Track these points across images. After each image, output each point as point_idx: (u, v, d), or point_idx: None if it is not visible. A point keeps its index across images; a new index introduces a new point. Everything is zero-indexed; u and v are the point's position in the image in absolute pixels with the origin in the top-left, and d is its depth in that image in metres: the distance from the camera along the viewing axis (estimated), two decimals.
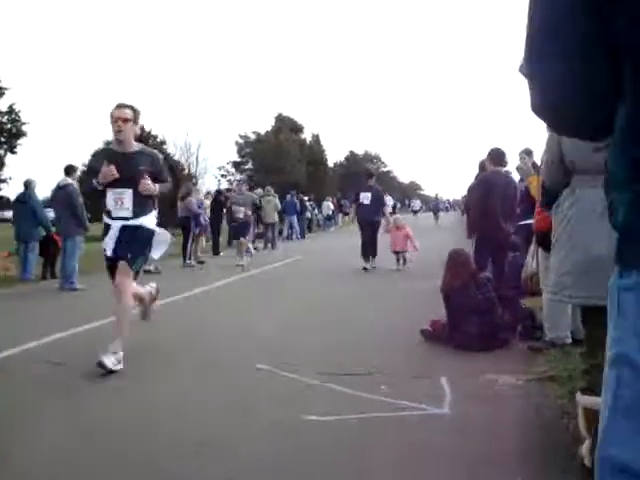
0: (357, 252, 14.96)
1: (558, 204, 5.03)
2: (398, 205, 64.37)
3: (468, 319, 6.26)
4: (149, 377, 5.62)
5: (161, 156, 6.38)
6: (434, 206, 54.09)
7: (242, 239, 16.14)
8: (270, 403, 4.73)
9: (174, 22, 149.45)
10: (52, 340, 7.09)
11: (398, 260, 14.66)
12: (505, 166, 8.89)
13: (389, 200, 32.40)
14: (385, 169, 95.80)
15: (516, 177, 11.14)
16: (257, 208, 20.67)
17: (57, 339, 7.16)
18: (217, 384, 5.29)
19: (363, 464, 3.60)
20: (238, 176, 63.03)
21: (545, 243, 5.92)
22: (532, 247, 6.46)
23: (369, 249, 14.73)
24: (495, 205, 8.13)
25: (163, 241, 6.71)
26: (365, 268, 14.39)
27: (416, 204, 61.73)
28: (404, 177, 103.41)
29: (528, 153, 9.52)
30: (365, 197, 14.66)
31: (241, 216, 16.14)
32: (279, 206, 24.13)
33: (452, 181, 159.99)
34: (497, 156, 8.58)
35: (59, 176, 12.47)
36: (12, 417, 4.54)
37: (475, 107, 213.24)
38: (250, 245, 16.96)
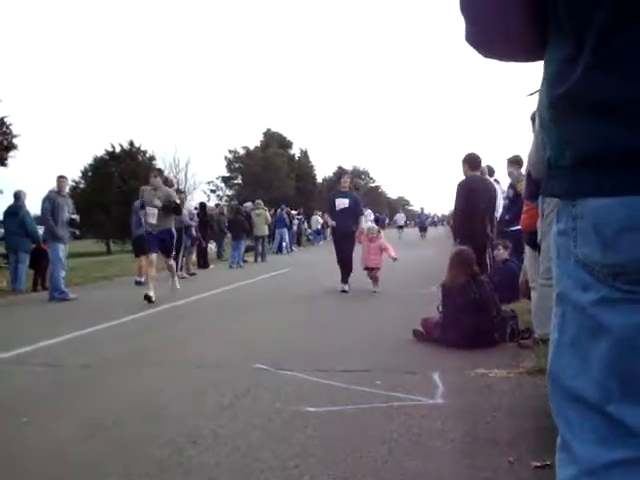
0: None
1: (544, 201, 5.17)
2: (387, 220, 58.91)
3: (465, 316, 6.34)
4: (145, 375, 5.66)
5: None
6: (420, 221, 47.78)
7: (167, 259, 11.62)
8: (268, 397, 4.78)
9: (164, 37, 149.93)
10: (43, 345, 7.11)
11: (372, 278, 11.80)
12: (480, 169, 9.06)
13: (369, 214, 30.54)
14: (373, 184, 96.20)
15: (505, 184, 11.33)
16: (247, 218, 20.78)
17: (48, 345, 7.18)
18: (216, 380, 5.32)
19: (360, 449, 3.65)
20: (228, 191, 63.19)
21: (533, 242, 6.04)
22: (526, 251, 6.57)
23: (346, 267, 12.18)
24: (478, 208, 8.31)
25: None
26: (344, 290, 11.92)
27: (400, 218, 49.86)
28: (392, 192, 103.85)
29: (516, 162, 9.70)
30: (342, 203, 12.15)
31: (154, 221, 10.99)
32: (269, 219, 24.26)
33: (440, 196, 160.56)
34: (473, 160, 8.74)
35: (50, 187, 12.56)
36: (10, 413, 4.58)
37: (463, 120, 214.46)
38: (172, 262, 12.03)
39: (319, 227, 40.09)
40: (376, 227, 12.84)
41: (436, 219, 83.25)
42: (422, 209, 52.30)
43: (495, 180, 12.09)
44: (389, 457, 3.50)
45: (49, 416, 4.53)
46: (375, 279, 11.71)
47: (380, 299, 10.76)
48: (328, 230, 49.21)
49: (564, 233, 1.11)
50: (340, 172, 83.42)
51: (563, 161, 1.08)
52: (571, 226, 1.09)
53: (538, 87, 1.18)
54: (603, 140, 1.01)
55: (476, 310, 6.41)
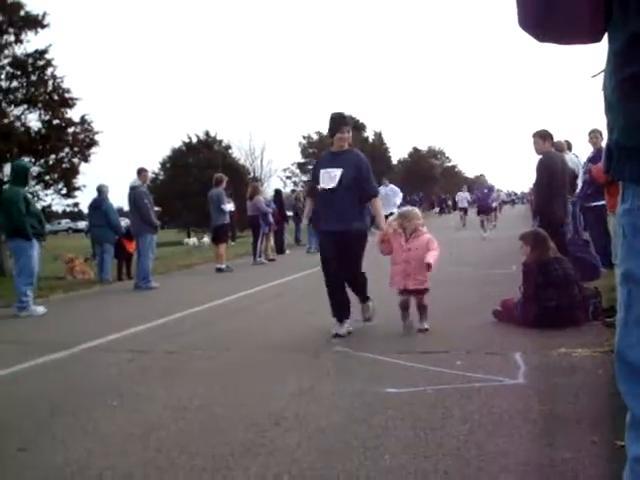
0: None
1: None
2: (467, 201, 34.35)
3: (546, 294, 6.24)
4: (228, 359, 5.81)
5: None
6: (479, 199, 24.59)
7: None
8: (348, 379, 4.84)
9: (235, 27, 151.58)
10: (130, 332, 7.38)
11: (404, 310, 6.57)
12: (552, 145, 8.86)
13: (393, 192, 22.60)
14: (450, 164, 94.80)
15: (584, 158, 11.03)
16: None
17: (134, 332, 7.45)
18: (297, 363, 5.41)
19: (440, 429, 3.67)
20: (303, 177, 63.56)
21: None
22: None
23: (341, 292, 6.73)
24: (556, 184, 8.18)
25: None
26: (338, 334, 6.41)
27: (462, 198, 32.16)
28: (470, 171, 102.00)
29: (599, 132, 9.51)
30: (330, 177, 6.61)
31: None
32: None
33: (521, 172, 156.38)
34: (544, 135, 8.56)
35: (130, 180, 12.93)
36: (100, 397, 4.80)
37: (544, 94, 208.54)
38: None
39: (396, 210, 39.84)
40: (415, 210, 7.04)
41: (514, 197, 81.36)
42: (481, 179, 28.03)
43: (574, 155, 11.80)
44: (469, 437, 3.51)
45: (137, 400, 4.73)
46: (422, 308, 6.54)
47: (457, 280, 10.65)
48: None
49: (630, 212, 1.10)
50: (414, 152, 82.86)
51: (630, 142, 1.07)
52: (637, 205, 1.08)
53: (602, 68, 1.17)
54: None
55: (558, 288, 6.30)
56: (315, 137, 67.75)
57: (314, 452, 3.48)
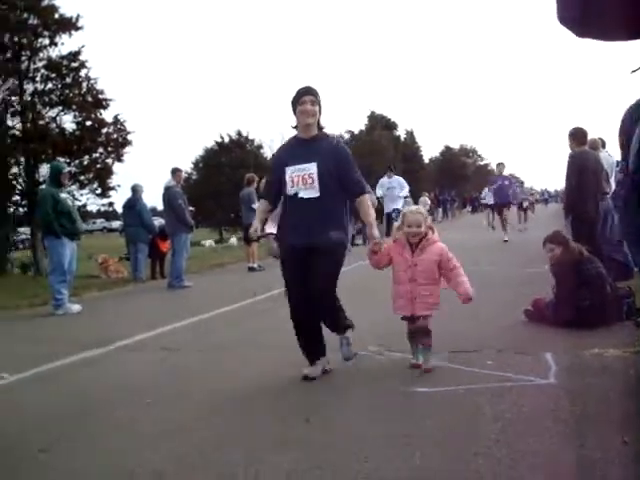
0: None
1: None
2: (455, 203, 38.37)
3: (579, 293, 6.19)
4: (260, 358, 5.86)
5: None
6: (498, 194, 20.14)
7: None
8: (381, 378, 4.87)
9: (263, 27, 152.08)
10: (163, 331, 7.50)
11: (413, 339, 5.16)
12: (586, 144, 8.75)
13: (399, 184, 19.76)
14: (482, 162, 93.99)
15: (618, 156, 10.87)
16: None
17: (167, 330, 7.56)
18: (330, 362, 5.44)
19: (471, 428, 3.69)
20: None
21: None
22: None
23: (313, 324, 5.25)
24: (589, 183, 8.09)
25: None
26: (308, 377, 5.02)
27: (489, 197, 24.64)
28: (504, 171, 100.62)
29: None
30: (299, 175, 5.06)
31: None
32: (376, 202, 24.11)
33: (554, 171, 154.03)
34: (579, 134, 8.47)
35: (164, 179, 13.09)
36: (135, 394, 4.89)
37: (580, 90, 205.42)
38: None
39: (427, 208, 39.70)
40: (421, 210, 5.46)
41: (547, 195, 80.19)
42: (499, 168, 21.34)
43: (608, 153, 11.64)
44: (501, 436, 3.52)
45: (171, 397, 4.81)
46: (424, 334, 5.01)
47: (488, 278, 10.58)
48: (439, 211, 46.84)
49: None
50: (446, 151, 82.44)
51: None
52: None
53: None
54: None
55: (591, 287, 6.25)
56: (346, 136, 67.71)
57: (344, 448, 3.52)
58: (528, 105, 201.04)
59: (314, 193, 4.97)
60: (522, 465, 3.15)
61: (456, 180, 72.54)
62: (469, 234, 20.87)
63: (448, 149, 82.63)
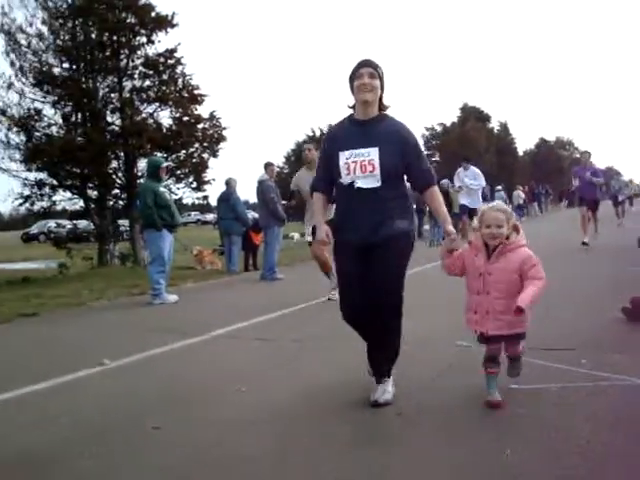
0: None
1: None
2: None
3: None
4: (351, 349, 5.92)
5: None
6: (581, 186, 15.56)
7: None
8: (470, 373, 4.83)
9: (358, 26, 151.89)
10: (257, 321, 7.69)
11: (491, 364, 4.25)
12: None
13: (477, 178, 17.25)
14: (579, 155, 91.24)
15: None
16: None
17: (261, 321, 7.75)
18: (420, 356, 5.45)
19: (564, 427, 3.65)
20: None
21: None
22: None
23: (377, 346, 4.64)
24: None
25: None
26: (377, 403, 4.26)
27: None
28: (601, 163, 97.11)
29: None
30: (360, 165, 4.26)
31: None
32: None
33: None
34: None
35: (257, 173, 13.33)
36: (229, 382, 5.06)
37: None
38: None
39: (521, 202, 38.90)
40: (503, 207, 4.25)
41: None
42: (584, 156, 16.40)
43: None
44: (592, 436, 3.46)
45: (265, 385, 4.95)
46: (516, 359, 4.42)
47: (588, 275, 10.32)
48: (534, 205, 44.91)
49: None
50: (541, 143, 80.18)
51: None
52: None
53: None
54: None
55: None
56: (439, 128, 67.04)
57: (433, 444, 3.55)
58: (630, 94, 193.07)
59: (374, 183, 4.23)
60: (617, 466, 3.10)
61: (551, 173, 70.69)
62: (566, 228, 20.33)
63: (544, 141, 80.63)
